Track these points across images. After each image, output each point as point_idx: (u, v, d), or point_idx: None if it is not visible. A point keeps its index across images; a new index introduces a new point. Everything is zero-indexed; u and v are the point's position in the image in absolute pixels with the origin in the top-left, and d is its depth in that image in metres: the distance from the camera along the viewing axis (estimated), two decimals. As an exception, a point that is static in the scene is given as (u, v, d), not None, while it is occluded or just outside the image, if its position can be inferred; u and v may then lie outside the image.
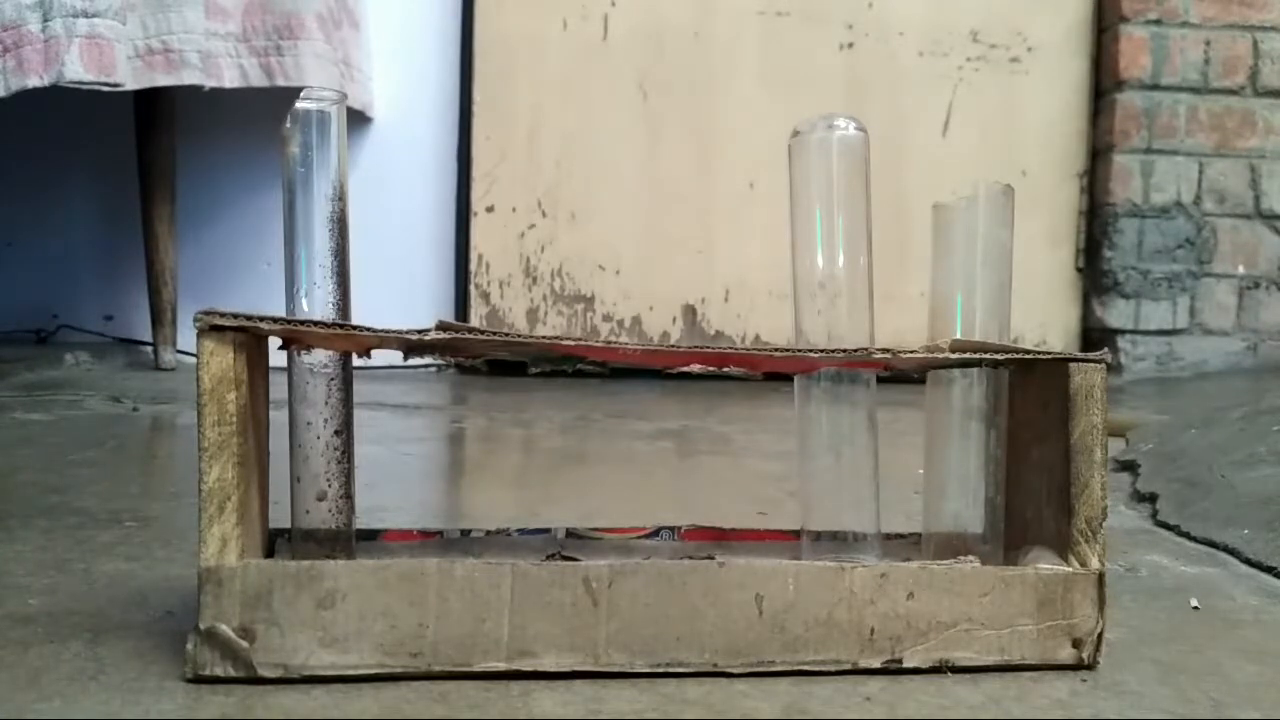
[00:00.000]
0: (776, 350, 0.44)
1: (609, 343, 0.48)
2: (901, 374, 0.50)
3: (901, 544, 0.52)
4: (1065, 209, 1.82)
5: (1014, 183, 0.50)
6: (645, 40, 1.76)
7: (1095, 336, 1.79)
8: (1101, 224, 1.78)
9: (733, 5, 1.77)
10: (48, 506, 0.67)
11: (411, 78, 1.78)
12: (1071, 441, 0.44)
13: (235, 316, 0.39)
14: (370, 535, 0.50)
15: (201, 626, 0.39)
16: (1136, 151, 1.75)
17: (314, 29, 1.51)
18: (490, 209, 1.76)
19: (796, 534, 0.50)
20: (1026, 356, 0.45)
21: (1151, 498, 0.80)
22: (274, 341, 0.43)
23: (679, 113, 1.77)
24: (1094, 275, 1.80)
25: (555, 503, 0.79)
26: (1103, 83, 1.79)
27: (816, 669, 0.41)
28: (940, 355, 0.45)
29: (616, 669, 0.40)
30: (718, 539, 0.52)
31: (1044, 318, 1.81)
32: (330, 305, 0.45)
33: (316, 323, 0.42)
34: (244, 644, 0.39)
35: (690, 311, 1.79)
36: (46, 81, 1.19)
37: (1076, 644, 0.43)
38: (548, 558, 0.48)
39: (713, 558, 0.47)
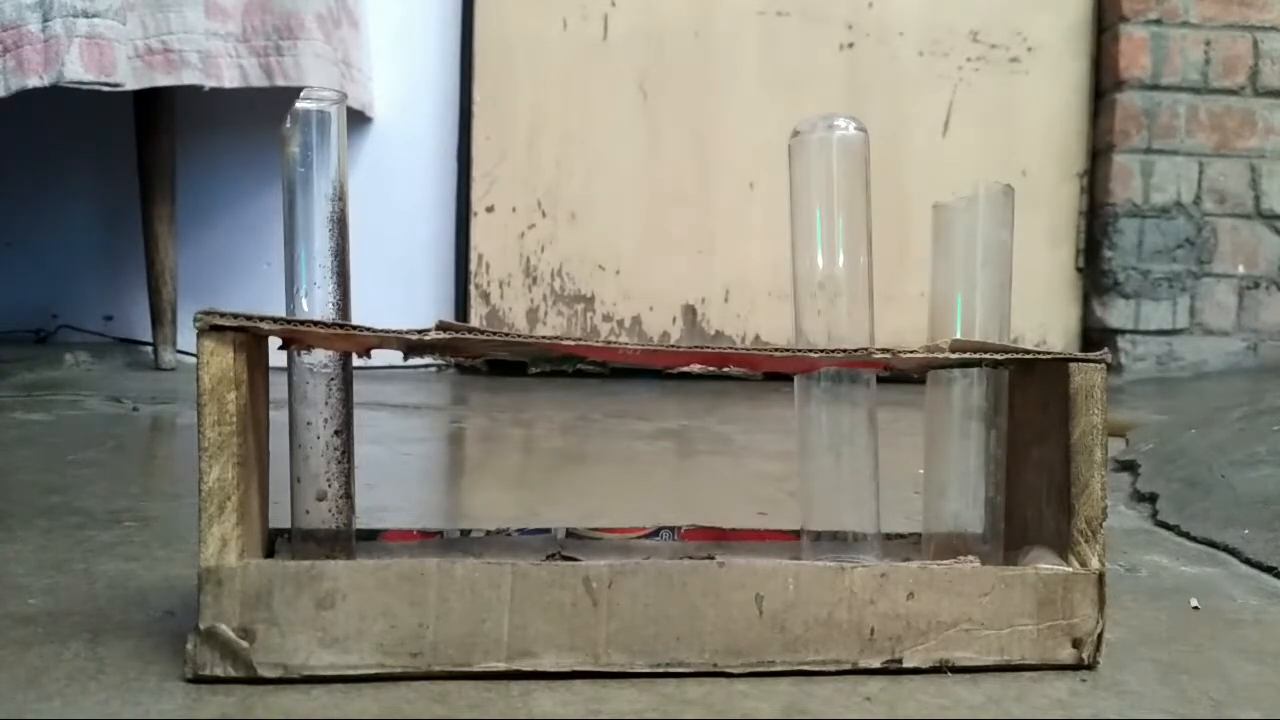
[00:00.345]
0: (776, 350, 0.44)
1: (609, 343, 0.48)
2: (901, 374, 0.50)
3: (901, 544, 0.52)
4: (1065, 209, 1.82)
5: (1014, 183, 0.50)
6: (645, 40, 1.76)
7: (1095, 336, 1.79)
8: (1101, 224, 1.78)
9: (733, 5, 1.77)
10: (48, 506, 0.67)
11: (411, 77, 1.78)
12: (1071, 441, 0.44)
13: (235, 316, 0.39)
14: (370, 535, 0.50)
15: (201, 626, 0.39)
16: (1136, 151, 1.75)
17: (314, 29, 1.51)
18: (490, 209, 1.76)
19: (796, 534, 0.50)
20: (1026, 356, 0.45)
21: (1151, 498, 0.80)
22: (274, 341, 0.43)
23: (679, 113, 1.77)
24: (1094, 275, 1.79)
25: (555, 503, 0.78)
26: (1103, 83, 1.79)
27: (816, 669, 0.41)
28: (940, 355, 0.45)
29: (616, 669, 0.40)
30: (718, 539, 0.52)
31: (1044, 318, 1.81)
32: (330, 305, 0.45)
33: (316, 323, 0.42)
34: (244, 644, 0.39)
35: (690, 311, 1.79)
36: (46, 81, 1.19)
37: (1076, 644, 0.43)
38: (548, 558, 0.48)
39: (713, 558, 0.47)
